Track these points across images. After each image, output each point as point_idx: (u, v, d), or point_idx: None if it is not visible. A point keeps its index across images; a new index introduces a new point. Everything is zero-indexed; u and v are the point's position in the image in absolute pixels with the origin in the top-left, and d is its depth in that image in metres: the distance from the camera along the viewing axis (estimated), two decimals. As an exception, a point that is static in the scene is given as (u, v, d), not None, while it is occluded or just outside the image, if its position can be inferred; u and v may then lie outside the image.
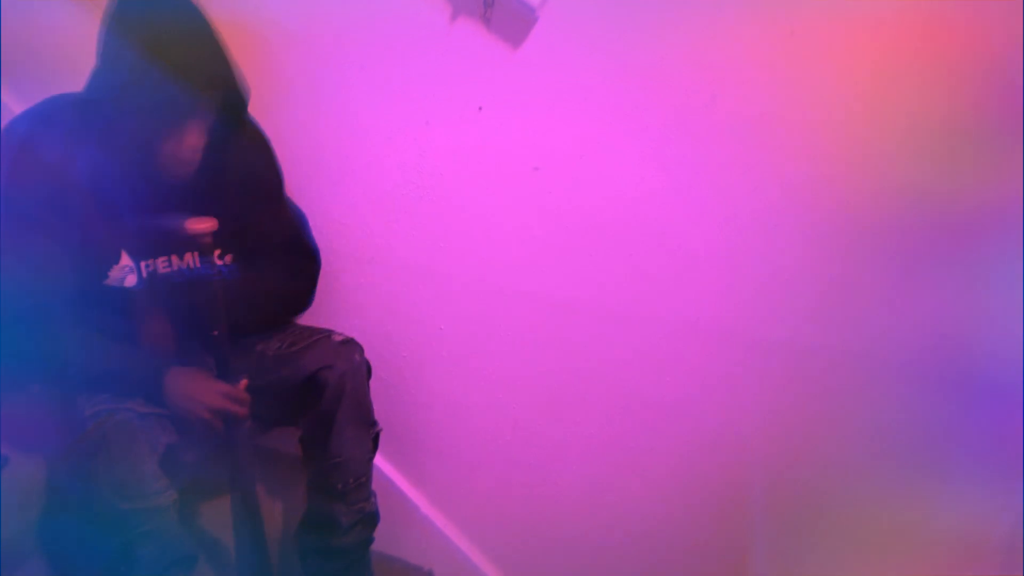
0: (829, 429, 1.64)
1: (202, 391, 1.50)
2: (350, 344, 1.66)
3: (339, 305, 1.90)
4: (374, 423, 1.69)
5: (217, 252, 1.57)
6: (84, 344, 1.46)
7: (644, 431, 1.78)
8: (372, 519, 1.72)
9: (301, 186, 1.81)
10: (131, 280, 1.51)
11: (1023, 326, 1.44)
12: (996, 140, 1.42)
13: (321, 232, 1.79)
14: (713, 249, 1.64)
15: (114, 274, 1.49)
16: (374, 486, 1.74)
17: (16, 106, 1.76)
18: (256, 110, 1.68)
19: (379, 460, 1.79)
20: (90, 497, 1.39)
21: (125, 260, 1.50)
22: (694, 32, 1.55)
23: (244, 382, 1.55)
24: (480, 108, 1.71)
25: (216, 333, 1.51)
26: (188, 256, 1.56)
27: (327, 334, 1.68)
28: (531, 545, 1.93)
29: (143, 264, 1.52)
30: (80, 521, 1.48)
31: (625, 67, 1.60)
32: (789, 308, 1.61)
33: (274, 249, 1.67)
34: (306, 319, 1.79)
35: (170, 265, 1.55)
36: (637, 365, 1.74)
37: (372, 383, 1.69)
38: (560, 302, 1.76)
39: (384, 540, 1.79)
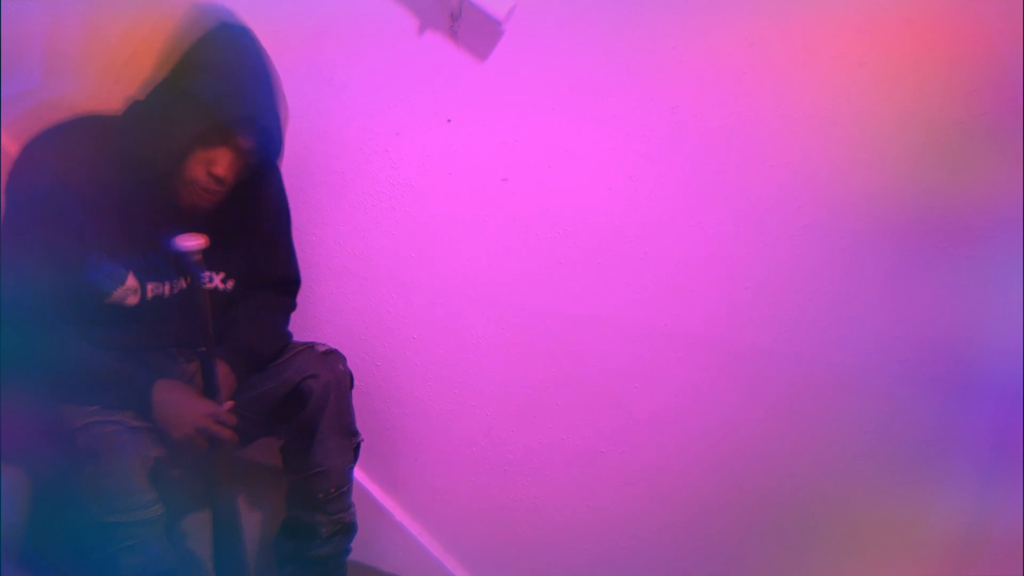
0: (826, 431, 1.67)
1: (187, 409, 1.49)
2: (333, 354, 1.68)
3: (313, 315, 1.91)
4: (356, 433, 1.71)
5: (221, 275, 1.59)
6: (73, 352, 1.45)
7: (618, 437, 1.81)
8: (350, 529, 1.73)
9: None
10: (132, 300, 1.50)
11: (1023, 326, 1.46)
12: (995, 140, 1.45)
13: (294, 244, 1.80)
14: (689, 255, 1.68)
15: (118, 294, 1.48)
16: (350, 495, 1.74)
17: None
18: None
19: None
20: (76, 508, 1.38)
21: (131, 282, 1.49)
22: (660, 41, 1.60)
23: (230, 404, 1.55)
24: (449, 120, 1.75)
25: (203, 350, 1.51)
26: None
27: (309, 345, 1.69)
28: (505, 552, 1.95)
29: (150, 286, 1.52)
30: (65, 532, 1.47)
31: (591, 78, 1.65)
32: (780, 313, 1.65)
33: (271, 284, 1.71)
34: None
35: (174, 289, 1.55)
36: (609, 371, 1.78)
37: (347, 392, 1.70)
38: (531, 310, 1.80)
39: (359, 548, 1.79)
